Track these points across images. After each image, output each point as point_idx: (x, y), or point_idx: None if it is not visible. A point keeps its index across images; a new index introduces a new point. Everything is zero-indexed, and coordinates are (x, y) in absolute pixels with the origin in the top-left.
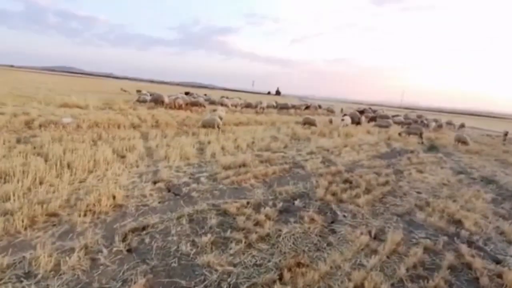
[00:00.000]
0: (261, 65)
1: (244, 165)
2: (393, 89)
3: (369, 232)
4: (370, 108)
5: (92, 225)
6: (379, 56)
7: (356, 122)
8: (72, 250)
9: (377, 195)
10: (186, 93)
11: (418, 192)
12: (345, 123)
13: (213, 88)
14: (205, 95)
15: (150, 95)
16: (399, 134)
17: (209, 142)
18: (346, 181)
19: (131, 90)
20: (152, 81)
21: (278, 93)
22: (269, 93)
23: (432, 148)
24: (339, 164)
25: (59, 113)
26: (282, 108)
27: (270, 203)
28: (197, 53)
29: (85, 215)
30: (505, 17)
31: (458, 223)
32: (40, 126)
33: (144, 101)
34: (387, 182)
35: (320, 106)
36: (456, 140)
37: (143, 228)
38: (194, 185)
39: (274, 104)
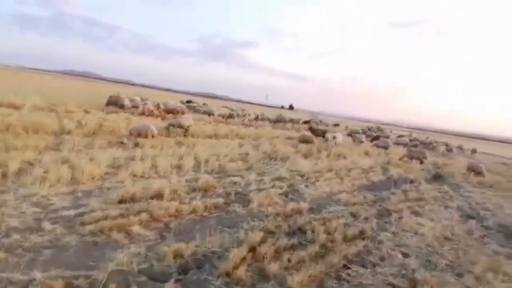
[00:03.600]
0: (277, 80)
1: (158, 196)
2: (406, 109)
3: None
4: (378, 128)
5: None
6: (392, 76)
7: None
8: None
9: (336, 263)
10: (188, 102)
11: (404, 255)
12: (336, 141)
13: (228, 99)
14: (204, 104)
15: (131, 100)
16: (400, 158)
17: (140, 159)
18: (298, 230)
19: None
20: (168, 90)
21: (291, 107)
22: (282, 107)
23: (437, 177)
24: (306, 197)
25: None
26: (278, 121)
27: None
28: (216, 65)
29: None
30: None
31: None
32: None
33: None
34: (361, 234)
35: (321, 121)
36: (468, 169)
37: None
38: (22, 237)
39: (270, 117)
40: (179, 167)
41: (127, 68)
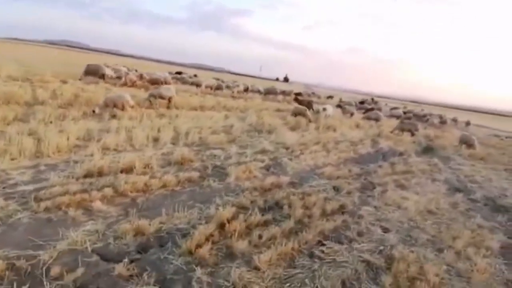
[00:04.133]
0: (272, 51)
1: (128, 170)
2: (404, 82)
3: None
4: (372, 100)
5: None
6: (391, 49)
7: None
8: None
9: (310, 239)
10: (177, 73)
11: (384, 230)
12: (326, 113)
13: (221, 71)
14: (195, 75)
15: (116, 70)
16: (391, 131)
17: (115, 131)
18: (275, 205)
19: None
20: (159, 61)
21: (286, 79)
22: (277, 79)
23: (427, 150)
24: (288, 171)
25: None
26: (269, 93)
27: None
28: (207, 34)
29: None
30: None
31: None
32: None
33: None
34: (341, 208)
35: (313, 93)
36: (460, 141)
37: None
38: None
39: (260, 89)
40: (156, 140)
41: (115, 37)
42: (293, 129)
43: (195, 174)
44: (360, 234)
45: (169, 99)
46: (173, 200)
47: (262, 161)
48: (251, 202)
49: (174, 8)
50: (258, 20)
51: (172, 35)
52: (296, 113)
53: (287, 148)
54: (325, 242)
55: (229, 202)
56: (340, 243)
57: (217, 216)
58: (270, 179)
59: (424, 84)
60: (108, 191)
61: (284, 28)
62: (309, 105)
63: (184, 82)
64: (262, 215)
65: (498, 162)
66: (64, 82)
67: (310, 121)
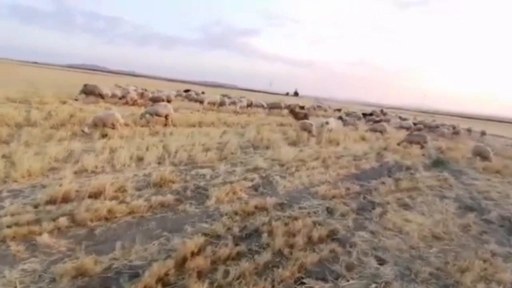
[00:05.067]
0: (281, 66)
1: (98, 194)
2: (414, 92)
3: None
4: (381, 111)
5: None
6: (400, 59)
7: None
8: None
9: (287, 276)
10: (186, 91)
11: (380, 261)
12: (329, 127)
13: (233, 88)
14: (203, 93)
15: (122, 90)
16: (399, 143)
17: (99, 151)
18: (254, 232)
19: (125, 86)
20: (172, 80)
21: (296, 94)
22: (287, 94)
23: (438, 163)
24: (279, 191)
25: None
26: (273, 108)
27: None
28: (218, 54)
29: None
30: None
31: None
32: None
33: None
34: (331, 234)
35: (319, 106)
36: (474, 153)
37: None
38: None
39: (264, 104)
40: (141, 159)
41: (130, 59)
42: (293, 144)
43: (171, 198)
44: (349, 267)
45: (166, 117)
46: (138, 229)
47: (252, 180)
48: (228, 229)
49: (185, 29)
50: (265, 38)
51: (184, 55)
52: (304, 128)
53: (282, 165)
54: (305, 280)
55: (202, 230)
56: (324, 280)
57: (181, 249)
58: (255, 201)
59: (437, 93)
60: (63, 221)
61: (291, 44)
62: (305, 117)
63: (190, 99)
64: (236, 245)
65: None
66: (64, 102)
67: (313, 136)
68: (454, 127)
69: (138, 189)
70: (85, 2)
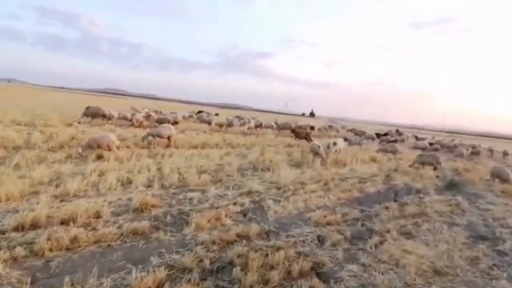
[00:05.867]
0: (296, 87)
1: (70, 220)
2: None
3: None
4: (396, 131)
5: None
6: (417, 79)
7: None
8: None
9: None
10: (199, 112)
11: None
12: (337, 148)
13: (249, 109)
14: (216, 114)
15: (131, 112)
16: (410, 165)
17: (88, 174)
18: (228, 265)
19: (141, 109)
20: (191, 103)
21: (312, 114)
22: (303, 114)
23: (452, 185)
24: (269, 217)
25: None
26: (283, 128)
27: None
28: (235, 76)
29: None
30: None
31: None
32: None
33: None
34: (315, 268)
35: (330, 127)
36: (492, 175)
37: None
38: None
39: (273, 125)
40: (130, 182)
41: (152, 83)
42: (297, 165)
43: (147, 224)
44: None
45: (169, 138)
46: (100, 260)
47: (242, 204)
48: (199, 261)
49: (204, 54)
50: (280, 60)
51: (202, 78)
52: (310, 150)
53: (279, 188)
54: None
55: (169, 261)
56: None
57: (135, 285)
58: (239, 229)
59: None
60: (20, 250)
61: (306, 66)
62: (307, 137)
63: (201, 121)
64: (203, 280)
65: None
66: (70, 125)
67: (322, 158)
68: (474, 147)
69: (116, 215)
70: (109, 30)
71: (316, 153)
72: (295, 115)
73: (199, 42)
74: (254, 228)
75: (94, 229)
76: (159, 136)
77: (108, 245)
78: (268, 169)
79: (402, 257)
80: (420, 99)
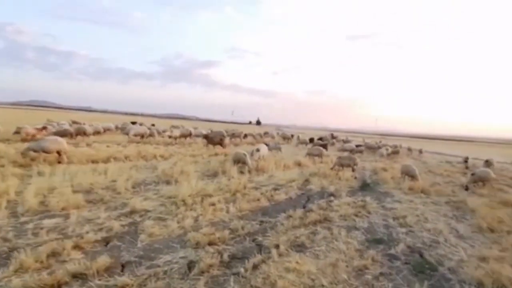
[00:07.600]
0: (243, 96)
1: None
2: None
3: None
4: (331, 135)
5: None
6: (352, 88)
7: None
8: None
9: None
10: (133, 123)
11: None
12: (260, 154)
13: (196, 119)
14: (153, 125)
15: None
16: (331, 168)
17: None
18: None
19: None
20: (132, 114)
21: (258, 122)
22: (250, 122)
23: (365, 186)
24: (139, 242)
25: None
26: (213, 137)
27: None
28: (179, 86)
29: None
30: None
31: None
32: None
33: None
34: None
35: (266, 134)
36: (402, 173)
37: None
38: None
39: (204, 133)
40: None
41: (87, 94)
42: (212, 175)
43: None
44: None
45: (59, 153)
46: None
47: (110, 229)
48: None
49: (145, 64)
50: (227, 69)
51: (143, 88)
52: (235, 159)
53: (175, 203)
54: None
55: None
56: None
57: None
58: (78, 266)
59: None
60: None
61: (252, 75)
62: (220, 142)
63: (124, 132)
64: None
65: (441, 193)
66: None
67: (249, 167)
68: (395, 147)
69: None
70: (35, 39)
71: (242, 162)
72: (242, 123)
73: (140, 51)
74: (101, 261)
75: None
76: (44, 151)
77: None
78: (173, 182)
79: (280, 278)
80: (357, 106)
